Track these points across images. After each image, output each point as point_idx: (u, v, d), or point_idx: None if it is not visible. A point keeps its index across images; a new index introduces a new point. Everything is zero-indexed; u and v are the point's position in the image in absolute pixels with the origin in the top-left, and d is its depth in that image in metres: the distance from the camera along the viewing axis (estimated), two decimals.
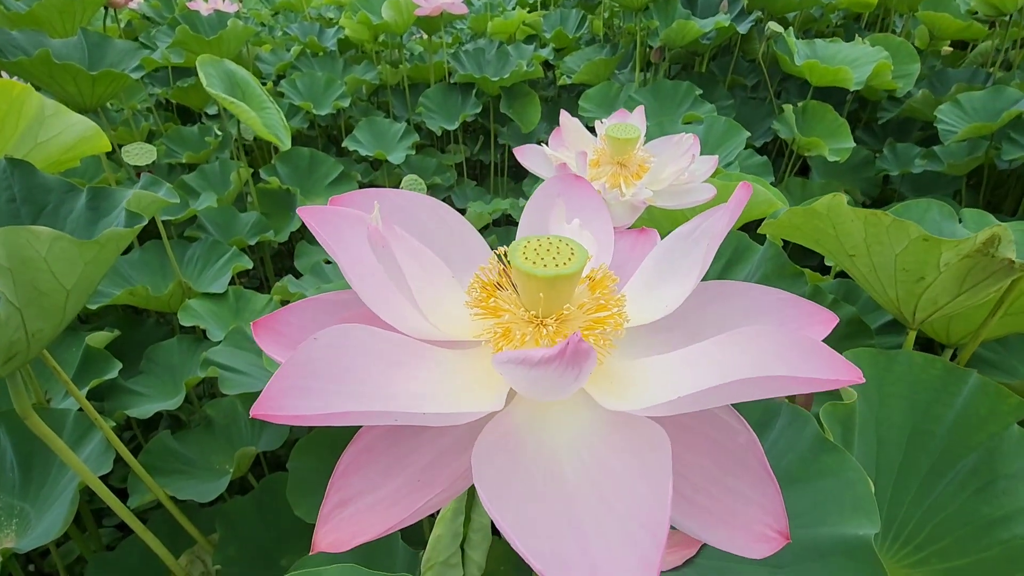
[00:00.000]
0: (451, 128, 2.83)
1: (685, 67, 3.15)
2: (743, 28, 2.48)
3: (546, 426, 0.27)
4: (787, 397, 0.75)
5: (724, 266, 0.98)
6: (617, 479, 0.23)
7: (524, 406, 0.28)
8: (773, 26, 2.34)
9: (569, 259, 0.28)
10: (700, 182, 0.68)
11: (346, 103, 2.87)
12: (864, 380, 0.22)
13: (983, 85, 2.37)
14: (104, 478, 0.96)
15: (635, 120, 0.76)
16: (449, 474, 0.26)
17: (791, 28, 2.32)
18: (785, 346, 0.24)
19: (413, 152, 2.79)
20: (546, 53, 3.25)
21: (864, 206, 2.84)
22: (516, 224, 2.90)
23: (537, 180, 2.69)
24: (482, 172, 3.63)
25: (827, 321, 0.30)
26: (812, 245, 0.76)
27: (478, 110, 2.90)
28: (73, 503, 0.96)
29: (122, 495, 1.24)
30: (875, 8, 3.18)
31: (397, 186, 3.02)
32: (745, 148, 2.27)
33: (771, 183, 2.17)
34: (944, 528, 0.67)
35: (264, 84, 3.26)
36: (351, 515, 0.26)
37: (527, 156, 0.74)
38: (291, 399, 0.22)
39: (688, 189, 0.68)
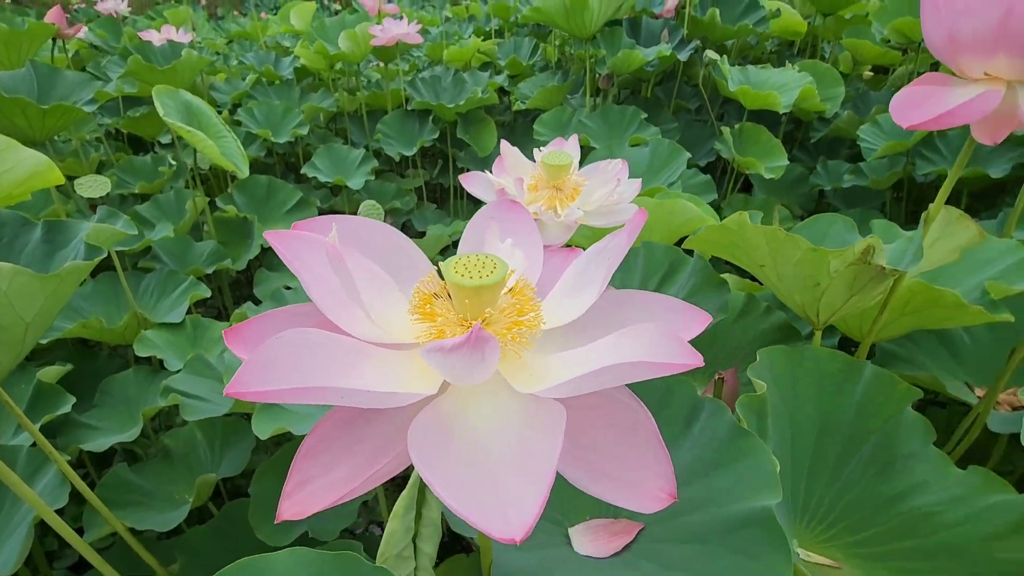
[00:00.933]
0: (409, 154, 2.89)
1: (633, 92, 3.31)
2: (683, 56, 2.65)
3: (472, 408, 0.32)
4: (715, 393, 0.83)
5: (662, 277, 1.06)
6: (522, 443, 0.29)
7: (455, 393, 0.33)
8: (710, 54, 2.51)
9: (492, 272, 0.34)
10: (627, 203, 0.76)
11: (304, 131, 2.90)
12: (703, 363, 0.29)
13: None
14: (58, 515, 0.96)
15: (570, 148, 0.84)
16: (393, 455, 0.31)
17: (725, 56, 2.49)
18: (653, 339, 0.30)
19: (372, 178, 2.84)
20: (501, 80, 3.36)
21: (801, 219, 3.03)
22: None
23: None
24: (442, 195, 3.69)
25: (703, 320, 0.37)
26: (729, 257, 0.85)
27: (435, 136, 2.98)
28: (28, 538, 0.95)
29: (77, 535, 1.21)
30: (805, 36, 3.44)
31: (356, 211, 3.05)
32: (689, 167, 2.41)
33: (714, 200, 2.32)
34: (852, 507, 0.75)
35: (220, 113, 3.26)
36: (309, 492, 0.31)
37: (473, 183, 0.80)
38: (258, 380, 0.27)
39: (616, 209, 0.76)
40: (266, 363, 0.28)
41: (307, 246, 0.36)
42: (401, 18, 2.91)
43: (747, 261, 0.80)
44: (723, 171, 3.09)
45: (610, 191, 0.72)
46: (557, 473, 0.36)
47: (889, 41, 2.96)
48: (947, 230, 0.67)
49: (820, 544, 0.73)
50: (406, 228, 3.19)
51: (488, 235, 0.43)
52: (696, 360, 0.28)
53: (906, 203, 2.74)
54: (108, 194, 1.70)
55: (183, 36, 3.11)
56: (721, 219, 2.59)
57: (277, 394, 0.27)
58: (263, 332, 0.35)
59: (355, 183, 2.74)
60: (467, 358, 0.28)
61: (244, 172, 2.04)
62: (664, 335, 0.30)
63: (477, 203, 3.49)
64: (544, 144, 2.87)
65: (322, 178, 2.73)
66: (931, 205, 0.64)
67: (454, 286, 0.34)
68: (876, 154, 2.24)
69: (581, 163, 2.40)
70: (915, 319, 0.93)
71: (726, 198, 2.65)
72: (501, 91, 3.75)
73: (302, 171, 2.78)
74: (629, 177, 0.78)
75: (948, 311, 0.86)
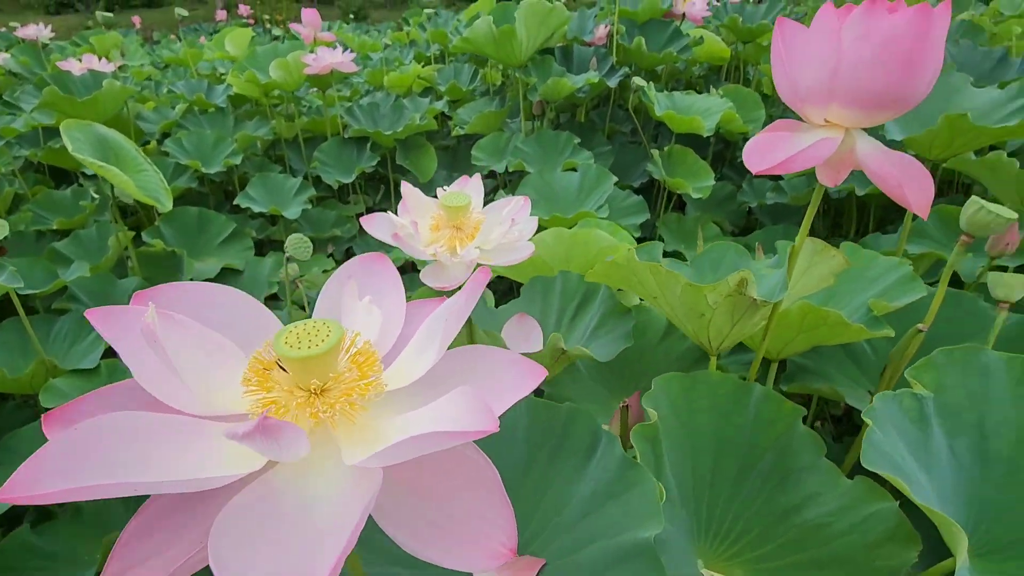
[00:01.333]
0: (347, 181, 2.87)
1: (573, 116, 3.40)
2: (613, 82, 2.75)
3: (293, 482, 0.32)
4: (620, 419, 0.85)
5: (578, 305, 1.09)
6: (330, 510, 0.29)
7: (281, 467, 0.33)
8: (637, 80, 2.62)
9: (324, 339, 0.35)
10: (525, 240, 0.78)
11: (237, 160, 2.83)
12: (497, 428, 0.30)
13: None
14: None
15: (472, 187, 0.85)
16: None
17: (651, 84, 2.60)
18: (461, 408, 0.31)
19: (310, 206, 2.79)
20: (441, 105, 3.39)
21: (732, 235, 3.15)
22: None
23: None
24: None
25: (539, 375, 0.39)
26: (628, 288, 0.89)
27: (374, 162, 2.96)
28: None
29: None
30: (731, 60, 3.63)
31: None
32: (624, 189, 2.49)
33: (648, 219, 2.40)
34: (752, 522, 0.78)
35: (147, 143, 3.15)
36: None
37: (374, 225, 0.80)
38: (40, 480, 0.26)
39: (516, 247, 0.77)
40: (55, 459, 0.27)
41: (129, 321, 0.35)
42: (335, 47, 2.91)
43: (643, 293, 0.84)
44: (658, 191, 3.20)
45: (506, 230, 0.74)
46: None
47: None
48: (814, 260, 0.72)
49: (724, 561, 0.76)
50: (348, 255, 3.14)
51: (346, 295, 0.43)
52: (492, 427, 0.29)
53: (825, 217, 2.91)
54: (6, 237, 1.60)
55: (106, 65, 3.01)
56: (656, 238, 2.65)
57: (60, 495, 0.26)
58: (90, 414, 0.34)
59: (291, 212, 2.69)
60: (263, 444, 0.28)
61: (166, 206, 1.97)
62: (470, 402, 0.31)
63: None
64: (484, 169, 2.89)
65: (256, 208, 2.67)
66: (797, 238, 0.69)
67: (283, 357, 0.34)
68: (790, 174, 2.37)
69: (516, 188, 2.40)
70: (810, 336, 0.99)
71: (660, 217, 2.74)
72: (443, 116, 3.79)
73: (235, 202, 2.71)
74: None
75: (835, 329, 0.92)
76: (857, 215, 2.70)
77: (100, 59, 3.10)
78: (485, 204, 0.84)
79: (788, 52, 0.57)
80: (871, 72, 0.50)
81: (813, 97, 0.56)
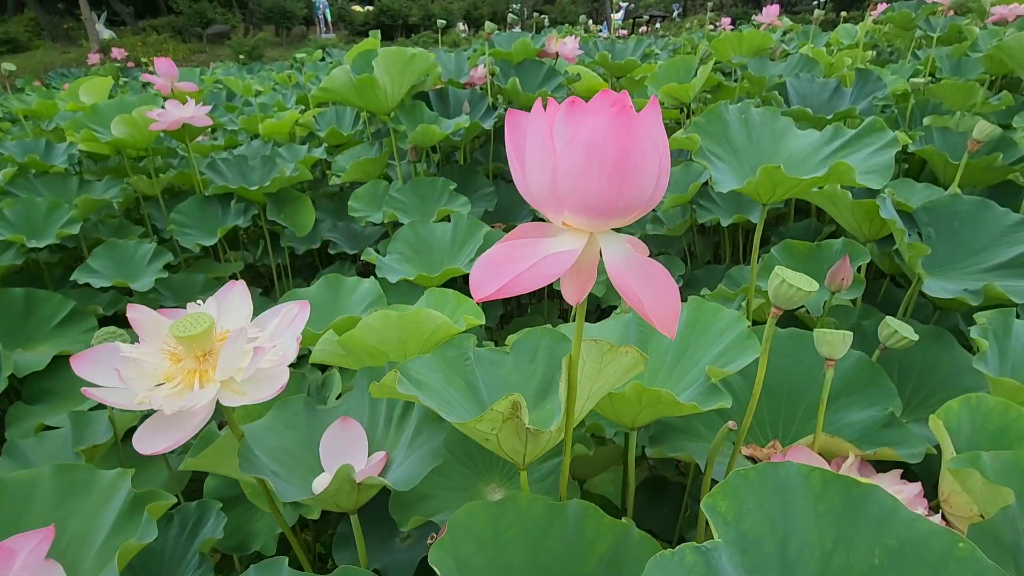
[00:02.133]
0: (210, 243, 2.61)
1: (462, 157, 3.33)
2: (488, 124, 2.70)
3: None
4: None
5: (404, 405, 0.97)
6: None
7: None
8: None
9: None
10: (285, 366, 0.64)
11: (75, 229, 2.50)
12: None
13: (681, 160, 2.85)
14: None
15: (234, 298, 0.71)
16: None
17: None
18: None
19: (166, 274, 2.50)
20: (319, 153, 3.21)
21: None
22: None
23: (343, 271, 2.35)
24: (270, 278, 3.40)
25: None
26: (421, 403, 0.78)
27: (240, 220, 2.73)
28: None
29: None
30: None
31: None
32: (508, 230, 2.43)
33: None
34: None
35: None
36: None
37: (86, 365, 0.64)
38: None
39: (275, 373, 0.64)
40: None
41: None
42: (187, 100, 2.67)
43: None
44: None
45: (248, 360, 0.61)
46: None
47: (664, 103, 3.28)
48: (604, 360, 0.65)
49: None
50: None
51: None
52: None
53: (703, 244, 3.00)
54: None
55: None
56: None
57: None
58: None
59: (143, 284, 2.39)
60: None
61: None
62: None
63: (309, 279, 3.24)
64: (361, 220, 2.70)
65: (99, 283, 2.35)
66: (572, 352, 0.60)
67: None
68: (665, 206, 2.42)
69: (389, 243, 2.22)
70: (653, 411, 0.92)
71: None
72: (325, 163, 3.60)
73: (72, 277, 2.38)
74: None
75: (670, 406, 0.86)
76: (729, 241, 2.80)
77: None
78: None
79: (515, 149, 0.49)
80: (585, 178, 0.43)
81: (544, 201, 0.48)
